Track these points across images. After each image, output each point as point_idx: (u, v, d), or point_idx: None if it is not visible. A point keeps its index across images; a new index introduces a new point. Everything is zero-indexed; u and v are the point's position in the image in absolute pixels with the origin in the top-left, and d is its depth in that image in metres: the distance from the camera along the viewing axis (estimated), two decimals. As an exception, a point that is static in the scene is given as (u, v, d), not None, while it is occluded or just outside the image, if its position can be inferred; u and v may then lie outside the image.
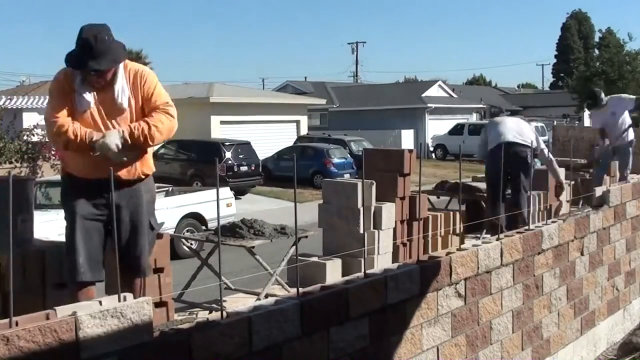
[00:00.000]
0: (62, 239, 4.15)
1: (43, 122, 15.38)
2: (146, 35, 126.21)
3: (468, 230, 8.28)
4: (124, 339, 2.63)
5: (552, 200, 8.73)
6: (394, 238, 6.89)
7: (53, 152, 16.08)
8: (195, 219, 13.07)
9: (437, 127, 37.34)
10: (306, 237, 8.29)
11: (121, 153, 3.77)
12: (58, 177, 14.28)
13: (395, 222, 6.92)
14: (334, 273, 6.24)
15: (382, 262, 6.48)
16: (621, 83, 39.01)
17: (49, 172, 15.77)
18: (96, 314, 2.56)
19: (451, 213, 7.82)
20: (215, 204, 3.67)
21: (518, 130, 7.59)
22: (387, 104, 37.99)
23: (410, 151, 7.00)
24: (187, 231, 12.42)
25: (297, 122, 30.69)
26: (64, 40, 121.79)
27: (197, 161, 21.49)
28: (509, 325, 5.07)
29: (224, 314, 3.07)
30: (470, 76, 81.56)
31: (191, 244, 10.39)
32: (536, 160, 8.25)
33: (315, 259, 6.56)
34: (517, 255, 5.12)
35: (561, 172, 8.79)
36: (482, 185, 8.85)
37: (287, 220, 9.49)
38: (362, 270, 3.87)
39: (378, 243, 6.62)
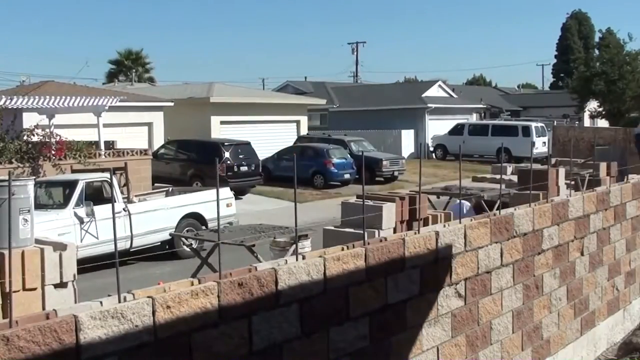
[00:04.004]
0: (62, 239, 4.15)
1: (43, 122, 15.12)
2: (146, 35, 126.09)
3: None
4: (124, 339, 2.63)
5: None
6: (394, 238, 6.89)
7: (53, 152, 16.06)
8: (195, 219, 13.06)
9: (437, 127, 37.26)
10: (306, 235, 8.29)
11: None
12: (59, 176, 14.30)
13: (395, 222, 6.92)
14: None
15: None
16: (621, 83, 38.98)
17: (50, 171, 15.75)
18: (96, 314, 2.56)
19: (451, 213, 7.82)
20: (215, 204, 3.67)
21: None
22: (387, 104, 37.91)
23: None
24: (187, 231, 12.41)
25: (297, 122, 30.65)
26: (64, 40, 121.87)
27: (197, 161, 21.45)
28: (509, 325, 5.06)
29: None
30: (470, 76, 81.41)
31: (191, 244, 10.40)
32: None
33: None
34: (517, 255, 5.12)
35: (561, 172, 8.78)
36: (485, 186, 8.84)
37: (287, 221, 9.48)
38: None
39: (378, 243, 6.61)
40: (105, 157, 17.58)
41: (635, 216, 7.32)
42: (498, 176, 11.21)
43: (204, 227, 12.70)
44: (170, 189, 14.85)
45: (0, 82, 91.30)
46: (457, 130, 34.87)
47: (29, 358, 2.36)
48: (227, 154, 21.16)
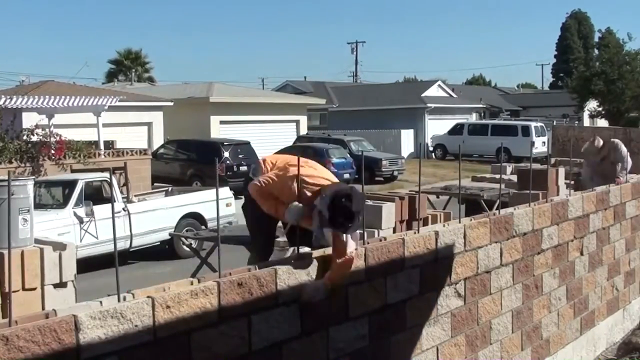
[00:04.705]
0: (62, 239, 4.15)
1: (43, 122, 15.10)
2: (146, 35, 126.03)
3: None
4: (124, 339, 2.63)
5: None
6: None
7: (53, 152, 16.06)
8: (194, 219, 13.06)
9: (436, 127, 37.29)
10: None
11: None
12: (58, 176, 14.29)
13: (395, 221, 6.92)
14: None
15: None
16: (621, 83, 38.99)
17: (50, 171, 15.74)
18: (96, 314, 2.56)
19: (451, 212, 7.83)
20: (215, 203, 3.67)
21: None
22: (387, 104, 37.93)
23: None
24: (187, 231, 12.40)
25: (297, 122, 30.65)
26: (64, 40, 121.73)
27: (196, 161, 21.46)
28: (509, 325, 5.07)
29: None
30: (470, 76, 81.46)
31: (191, 243, 10.39)
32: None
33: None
34: (516, 255, 5.12)
35: (560, 171, 8.81)
36: (484, 185, 8.84)
37: (286, 220, 9.46)
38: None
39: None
40: (105, 157, 17.58)
41: (634, 216, 7.33)
42: (498, 176, 11.23)
43: (203, 227, 12.69)
44: (170, 188, 14.85)
45: (0, 82, 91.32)
46: (456, 130, 34.88)
47: (29, 358, 2.36)
48: (226, 154, 21.16)
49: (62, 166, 15.82)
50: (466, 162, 28.80)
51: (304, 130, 30.63)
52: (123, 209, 11.71)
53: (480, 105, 44.36)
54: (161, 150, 22.82)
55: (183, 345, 2.84)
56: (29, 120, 17.82)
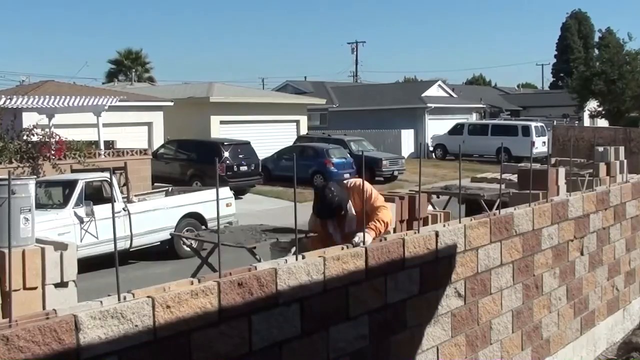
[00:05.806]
0: (62, 238, 4.15)
1: (43, 122, 15.16)
2: (146, 35, 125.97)
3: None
4: (124, 339, 2.63)
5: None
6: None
7: (53, 152, 16.05)
8: (195, 219, 13.06)
9: (436, 127, 37.29)
10: (306, 236, 8.29)
11: None
12: (58, 176, 14.30)
13: (395, 221, 6.92)
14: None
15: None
16: (621, 83, 38.99)
17: (50, 171, 15.73)
18: (96, 314, 2.56)
19: (450, 212, 7.83)
20: (215, 203, 3.68)
21: None
22: (387, 104, 37.93)
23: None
24: (187, 231, 12.40)
25: (297, 122, 30.65)
26: (64, 40, 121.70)
27: (196, 161, 21.47)
28: (509, 325, 5.07)
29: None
30: (470, 76, 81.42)
31: (191, 244, 10.40)
32: None
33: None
34: (516, 254, 5.12)
35: (561, 171, 8.80)
36: (483, 185, 8.83)
37: (287, 221, 9.47)
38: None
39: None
40: (105, 156, 17.57)
41: (635, 216, 7.33)
42: (499, 176, 11.23)
43: (203, 227, 12.69)
44: (170, 188, 14.85)
45: (0, 82, 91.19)
46: (456, 130, 34.88)
47: (29, 358, 2.36)
48: (226, 154, 21.16)
49: (59, 169, 15.80)
50: (466, 162, 28.79)
51: (304, 130, 30.62)
52: (123, 209, 11.71)
53: (480, 105, 44.33)
54: (161, 150, 22.81)
55: (183, 345, 2.85)
56: (29, 120, 17.81)
